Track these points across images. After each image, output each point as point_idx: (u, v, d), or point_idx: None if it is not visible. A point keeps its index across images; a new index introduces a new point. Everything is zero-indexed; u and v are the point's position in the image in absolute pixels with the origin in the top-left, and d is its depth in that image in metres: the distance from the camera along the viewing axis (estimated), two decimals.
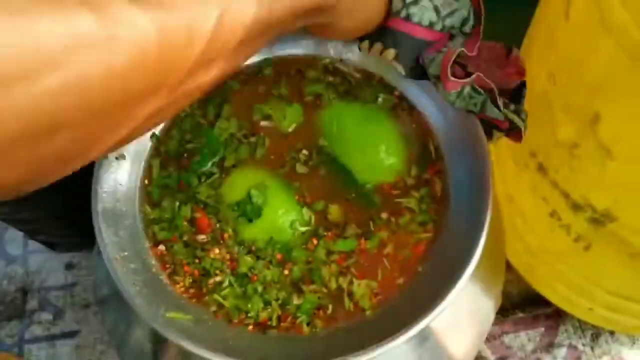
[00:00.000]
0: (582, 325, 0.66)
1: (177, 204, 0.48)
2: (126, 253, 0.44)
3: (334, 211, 0.47)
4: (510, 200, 0.58)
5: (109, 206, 0.46)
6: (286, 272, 0.46)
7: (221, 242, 0.46)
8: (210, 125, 0.51)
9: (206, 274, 0.46)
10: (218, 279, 0.45)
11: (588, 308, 0.58)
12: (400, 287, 0.45)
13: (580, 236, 0.51)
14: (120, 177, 0.47)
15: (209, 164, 0.50)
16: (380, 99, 0.52)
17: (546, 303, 0.64)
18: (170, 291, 0.44)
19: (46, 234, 0.62)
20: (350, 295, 0.45)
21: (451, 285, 0.42)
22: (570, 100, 0.44)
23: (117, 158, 0.47)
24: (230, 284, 0.45)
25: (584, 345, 0.65)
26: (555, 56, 0.46)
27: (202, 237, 0.47)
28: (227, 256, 0.46)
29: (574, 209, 0.49)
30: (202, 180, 0.49)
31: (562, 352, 0.65)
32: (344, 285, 0.45)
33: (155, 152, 0.50)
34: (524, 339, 0.66)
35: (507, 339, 0.66)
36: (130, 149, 0.48)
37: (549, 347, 0.65)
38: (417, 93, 0.51)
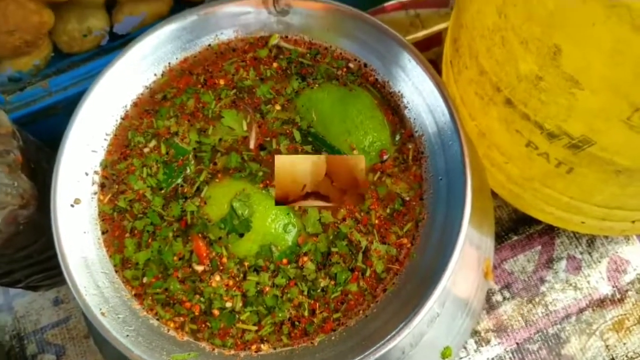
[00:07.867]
0: (576, 234, 0.66)
1: (165, 236, 0.45)
2: (110, 304, 0.42)
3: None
4: (482, 135, 0.56)
5: (78, 260, 0.43)
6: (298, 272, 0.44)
7: (221, 267, 0.44)
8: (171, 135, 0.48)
9: (208, 305, 0.43)
10: (228, 305, 0.43)
11: (580, 222, 0.58)
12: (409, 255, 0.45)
13: (560, 162, 0.49)
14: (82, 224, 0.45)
15: (179, 179, 0.46)
16: (340, 75, 0.49)
17: (538, 220, 0.64)
18: (166, 333, 0.43)
19: (25, 281, 0.60)
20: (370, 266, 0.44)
21: (453, 240, 0.42)
22: (526, 35, 0.41)
23: (72, 205, 0.44)
24: (247, 307, 0.43)
25: (581, 253, 0.66)
26: None
27: (200, 268, 0.44)
28: (230, 281, 0.43)
29: (550, 137, 0.47)
30: (172, 201, 0.46)
31: (562, 265, 0.66)
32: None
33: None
34: (523, 261, 0.66)
35: (507, 265, 0.66)
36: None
37: (549, 262, 0.66)
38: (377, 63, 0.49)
